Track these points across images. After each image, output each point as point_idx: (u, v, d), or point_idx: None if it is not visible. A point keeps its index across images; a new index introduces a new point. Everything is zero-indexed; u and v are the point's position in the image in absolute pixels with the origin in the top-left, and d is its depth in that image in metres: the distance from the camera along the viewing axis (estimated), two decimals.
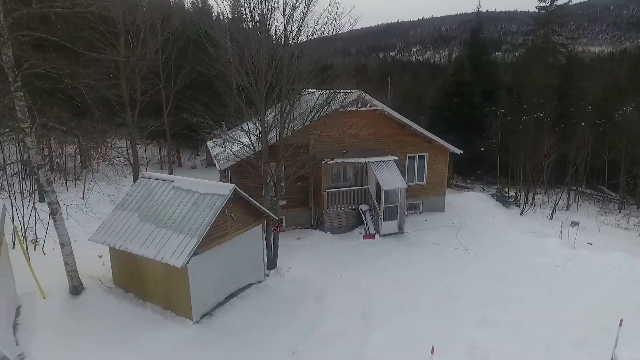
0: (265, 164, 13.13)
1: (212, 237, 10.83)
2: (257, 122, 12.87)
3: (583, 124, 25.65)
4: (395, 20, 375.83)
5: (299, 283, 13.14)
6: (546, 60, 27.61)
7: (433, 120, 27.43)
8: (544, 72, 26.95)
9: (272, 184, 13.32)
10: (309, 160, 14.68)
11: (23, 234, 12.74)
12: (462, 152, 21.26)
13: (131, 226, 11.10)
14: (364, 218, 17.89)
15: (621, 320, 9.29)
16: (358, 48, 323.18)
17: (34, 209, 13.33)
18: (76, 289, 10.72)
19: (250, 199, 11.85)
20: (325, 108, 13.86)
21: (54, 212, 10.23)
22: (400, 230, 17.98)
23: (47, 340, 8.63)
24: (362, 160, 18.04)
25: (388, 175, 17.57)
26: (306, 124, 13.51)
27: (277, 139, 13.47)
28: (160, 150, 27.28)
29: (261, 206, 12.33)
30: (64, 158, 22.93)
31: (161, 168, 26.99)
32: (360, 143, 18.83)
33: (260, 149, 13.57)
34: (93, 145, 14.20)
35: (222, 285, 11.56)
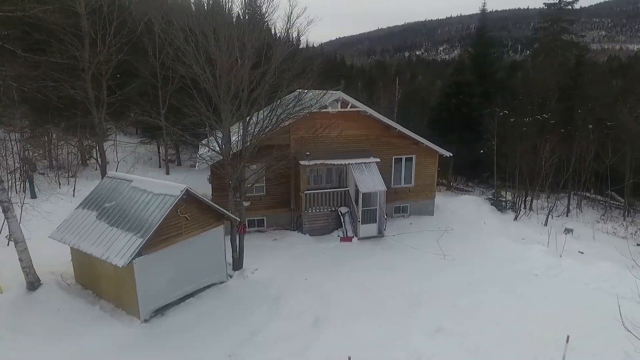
0: (228, 167, 13.13)
1: (163, 237, 10.95)
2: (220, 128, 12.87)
3: (591, 126, 24.51)
4: (423, 19, 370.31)
5: (260, 285, 13.11)
6: (554, 60, 26.48)
7: (433, 121, 26.81)
8: (551, 72, 25.87)
9: (232, 185, 13.27)
10: (277, 161, 14.56)
11: None
12: (451, 154, 20.68)
13: (87, 225, 11.36)
14: (342, 220, 17.68)
15: (568, 337, 8.78)
16: (384, 47, 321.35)
17: None
18: (32, 284, 11.07)
19: (206, 200, 11.90)
20: (293, 109, 13.70)
21: (5, 210, 10.55)
22: (380, 233, 17.66)
23: None
24: (343, 161, 17.81)
25: (367, 178, 17.29)
26: (266, 128, 13.34)
27: (241, 143, 13.42)
28: (159, 149, 27.84)
29: (219, 207, 12.36)
30: (66, 155, 23.62)
31: (159, 167, 27.54)
32: (345, 144, 18.64)
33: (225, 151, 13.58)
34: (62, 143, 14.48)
35: (176, 285, 11.66)
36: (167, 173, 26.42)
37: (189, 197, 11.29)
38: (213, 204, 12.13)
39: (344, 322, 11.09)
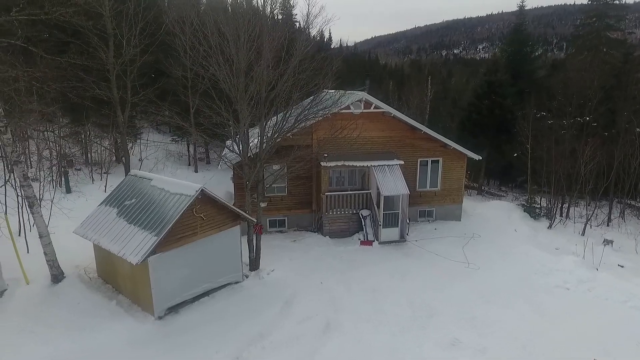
0: (245, 167, 13.17)
1: (178, 236, 11.10)
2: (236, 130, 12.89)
3: (638, 129, 22.81)
4: (462, 17, 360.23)
5: (275, 286, 13.06)
6: (595, 59, 24.80)
7: (463, 122, 25.87)
8: (591, 71, 24.32)
9: (249, 186, 13.28)
10: (298, 161, 14.47)
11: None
12: (480, 157, 19.86)
13: (108, 221, 11.71)
14: (363, 224, 17.37)
15: None
16: (421, 46, 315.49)
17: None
18: (56, 277, 11.54)
19: (222, 200, 11.97)
20: (310, 110, 13.56)
21: (31, 205, 11.02)
22: (402, 238, 17.21)
23: (11, 322, 9.36)
24: (365, 163, 17.50)
25: (389, 180, 16.89)
26: (284, 130, 13.25)
27: (259, 144, 13.40)
28: (188, 147, 28.52)
29: (235, 208, 12.42)
30: (99, 152, 24.61)
31: (189, 165, 28.20)
32: (368, 145, 18.32)
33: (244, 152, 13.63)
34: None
35: (191, 283, 11.80)
36: (196, 171, 27.00)
37: (204, 197, 11.39)
38: (228, 204, 12.19)
39: (354, 328, 10.85)
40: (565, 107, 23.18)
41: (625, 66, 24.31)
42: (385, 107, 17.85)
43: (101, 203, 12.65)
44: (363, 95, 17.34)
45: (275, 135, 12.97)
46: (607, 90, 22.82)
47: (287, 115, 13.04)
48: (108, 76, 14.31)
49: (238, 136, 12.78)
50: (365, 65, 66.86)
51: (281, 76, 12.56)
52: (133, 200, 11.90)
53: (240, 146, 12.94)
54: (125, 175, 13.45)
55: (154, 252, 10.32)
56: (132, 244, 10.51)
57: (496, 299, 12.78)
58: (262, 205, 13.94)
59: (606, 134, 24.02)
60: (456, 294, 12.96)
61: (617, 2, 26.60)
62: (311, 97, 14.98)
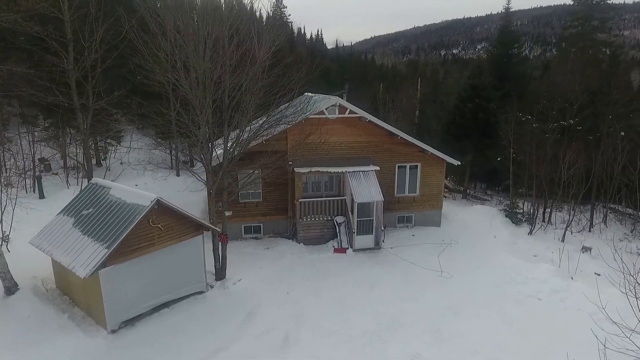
0: (208, 176, 12.88)
1: (134, 248, 10.82)
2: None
3: (623, 133, 22.54)
4: (461, 16, 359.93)
5: (239, 297, 12.78)
6: (581, 60, 24.49)
7: (447, 126, 25.56)
8: (576, 73, 24.03)
9: (212, 194, 12.99)
10: (269, 168, 14.19)
11: None
12: (459, 163, 19.58)
13: (63, 232, 11.41)
14: (337, 231, 17.08)
15: None
16: (420, 46, 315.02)
17: None
18: (9, 289, 11.25)
19: (182, 210, 11.68)
20: (274, 118, 13.26)
21: None
22: (377, 245, 16.92)
23: None
24: (339, 169, 17.21)
25: (364, 187, 16.61)
26: (247, 138, 12.94)
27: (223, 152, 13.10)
28: (170, 150, 28.17)
29: (196, 218, 12.12)
30: (76, 156, 24.26)
31: (171, 168, 27.88)
32: (346, 151, 18.04)
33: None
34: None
35: (149, 295, 11.51)
36: (178, 175, 26.69)
37: (161, 208, 11.10)
38: (189, 213, 11.89)
39: (312, 344, 10.59)
40: (548, 110, 22.89)
41: (611, 69, 24.00)
42: (361, 112, 17.56)
43: (60, 212, 12.35)
44: (337, 100, 17.05)
45: (234, 146, 12.64)
46: (591, 94, 22.53)
47: (250, 124, 12.75)
48: (68, 82, 14.00)
49: (200, 143, 12.47)
50: (360, 66, 66.45)
51: (241, 85, 12.23)
52: (90, 210, 11.61)
53: (202, 154, 12.64)
54: (89, 182, 13.15)
55: (104, 265, 10.03)
56: (83, 256, 10.22)
57: (465, 310, 12.50)
58: (227, 214, 13.63)
59: (591, 137, 23.76)
60: (424, 304, 12.68)
61: (603, 2, 26.23)
62: (286, 104, 14.71)
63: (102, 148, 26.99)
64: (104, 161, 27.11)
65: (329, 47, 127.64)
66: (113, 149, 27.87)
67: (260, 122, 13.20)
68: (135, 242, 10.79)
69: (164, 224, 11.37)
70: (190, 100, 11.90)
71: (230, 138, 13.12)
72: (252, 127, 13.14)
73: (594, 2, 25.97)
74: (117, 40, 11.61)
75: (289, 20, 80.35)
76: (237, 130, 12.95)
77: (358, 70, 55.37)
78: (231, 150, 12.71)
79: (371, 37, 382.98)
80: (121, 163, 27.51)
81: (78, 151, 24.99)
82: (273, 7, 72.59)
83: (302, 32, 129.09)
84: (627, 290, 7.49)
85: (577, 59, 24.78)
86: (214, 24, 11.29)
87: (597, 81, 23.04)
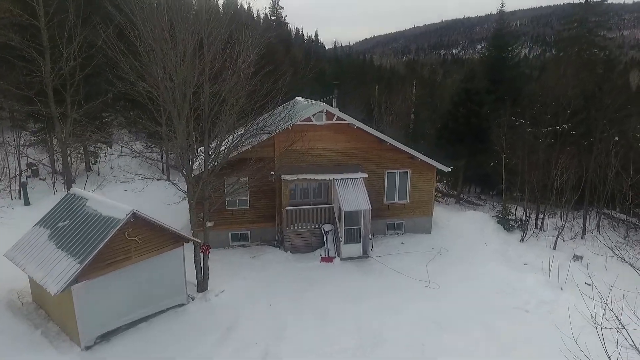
0: (189, 186, 12.63)
1: (109, 262, 10.58)
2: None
3: (617, 138, 22.29)
4: (461, 16, 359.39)
5: (220, 310, 12.54)
6: (576, 64, 24.21)
7: (440, 131, 25.30)
8: (573, 78, 23.76)
9: (193, 205, 12.74)
10: (253, 176, 13.96)
11: None
12: (450, 169, 19.32)
13: (38, 245, 11.17)
14: (324, 239, 16.82)
15: None
16: (419, 46, 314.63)
17: None
18: None
19: (160, 222, 11.43)
20: (255, 128, 13.02)
21: None
22: (365, 254, 16.67)
23: None
24: (327, 176, 16.96)
25: (351, 195, 16.35)
26: (229, 148, 12.71)
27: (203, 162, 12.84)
28: (162, 155, 27.91)
29: (175, 229, 11.87)
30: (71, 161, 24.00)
31: (162, 172, 27.63)
32: (334, 157, 17.79)
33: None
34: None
35: (127, 309, 11.27)
36: (169, 179, 26.42)
37: (137, 220, 10.85)
38: (168, 225, 11.64)
39: None
40: (542, 114, 22.63)
41: (605, 73, 23.72)
42: (348, 119, 17.30)
43: (36, 223, 12.10)
44: (324, 107, 16.80)
45: (213, 157, 12.40)
46: (585, 98, 22.27)
47: (233, 133, 12.50)
48: (46, 90, 13.74)
49: (179, 153, 12.23)
50: (357, 67, 66.08)
51: (221, 95, 11.97)
52: (66, 222, 11.36)
53: (182, 163, 12.40)
54: (67, 192, 12.90)
55: (76, 280, 9.78)
56: (56, 271, 9.98)
57: (450, 324, 12.25)
58: (209, 224, 13.39)
59: (585, 142, 23.50)
60: (409, 318, 12.42)
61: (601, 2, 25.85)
62: (270, 112, 14.44)
63: (93, 152, 26.78)
64: (94, 165, 26.90)
65: (327, 47, 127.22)
66: (104, 152, 27.65)
67: (242, 131, 12.93)
68: (110, 256, 10.55)
69: (141, 237, 11.12)
70: (169, 110, 11.65)
71: (212, 147, 12.88)
72: (233, 136, 12.89)
73: (590, 2, 25.56)
74: (93, 49, 11.33)
75: (285, 21, 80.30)
76: (218, 140, 12.71)
77: (354, 72, 54.94)
78: (211, 160, 12.47)
79: (371, 36, 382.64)
80: (111, 167, 27.31)
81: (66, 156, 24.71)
82: (270, 8, 72.63)
83: (300, 32, 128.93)
84: (601, 321, 7.20)
85: (573, 62, 24.49)
86: (192, 32, 11.02)
87: (591, 85, 22.76)
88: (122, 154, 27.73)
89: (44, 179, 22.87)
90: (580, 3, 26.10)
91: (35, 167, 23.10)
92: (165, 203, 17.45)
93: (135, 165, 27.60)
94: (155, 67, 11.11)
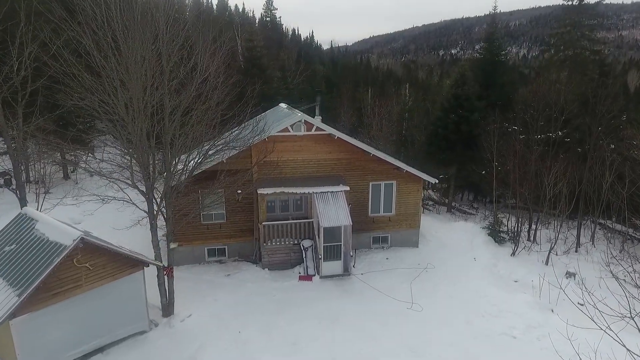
0: (150, 206, 11.79)
1: (55, 292, 9.73)
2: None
3: (613, 145, 21.48)
4: (460, 16, 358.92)
5: (184, 338, 11.68)
6: (571, 69, 23.43)
7: (430, 137, 24.47)
8: (566, 84, 22.95)
9: (153, 224, 11.90)
10: (214, 192, 13.13)
11: None
12: (436, 180, 18.52)
13: None
14: (303, 256, 15.96)
15: None
16: (418, 46, 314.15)
17: None
18: None
19: (114, 246, 10.57)
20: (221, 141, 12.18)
21: None
22: (346, 271, 15.81)
23: None
24: (306, 190, 16.11)
25: (331, 210, 15.51)
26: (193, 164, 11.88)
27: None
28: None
29: (132, 253, 11.01)
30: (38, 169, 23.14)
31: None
32: (315, 168, 16.95)
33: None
34: None
35: (79, 340, 10.41)
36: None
37: (87, 246, 9.99)
38: (123, 250, 10.79)
39: None
40: (535, 121, 21.79)
41: (600, 78, 22.90)
42: (328, 129, 16.46)
43: None
44: (302, 117, 15.95)
45: (174, 174, 11.57)
46: (579, 105, 21.44)
47: (199, 149, 11.68)
48: None
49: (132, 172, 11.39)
50: (351, 69, 65.23)
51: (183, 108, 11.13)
52: (12, 246, 10.49)
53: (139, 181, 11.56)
54: (18, 213, 12.02)
55: (14, 315, 8.92)
56: None
57: (429, 350, 11.42)
58: (172, 246, 12.55)
59: (579, 149, 22.69)
60: (386, 345, 11.59)
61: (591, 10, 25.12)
62: (242, 125, 13.58)
63: (71, 160, 25.90)
64: (72, 173, 26.03)
65: (324, 47, 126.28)
66: (84, 159, 26.78)
67: (207, 146, 12.10)
68: (57, 286, 9.70)
69: (93, 263, 10.28)
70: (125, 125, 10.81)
71: (175, 163, 12.04)
72: (199, 151, 12.06)
73: (584, 4, 24.73)
74: (41, 61, 10.56)
75: (280, 22, 79.48)
76: (182, 156, 11.88)
77: (347, 74, 54.02)
78: (173, 177, 11.63)
79: (370, 36, 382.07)
80: (91, 175, 26.43)
81: (40, 165, 23.84)
82: (264, 9, 71.81)
83: (297, 33, 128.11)
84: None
85: (567, 66, 23.67)
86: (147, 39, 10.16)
87: (585, 90, 21.93)
88: (103, 159, 26.93)
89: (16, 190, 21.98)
90: (573, 6, 25.29)
91: (8, 177, 22.22)
92: (125, 226, 16.45)
93: (117, 174, 26.80)
94: (111, 78, 10.27)
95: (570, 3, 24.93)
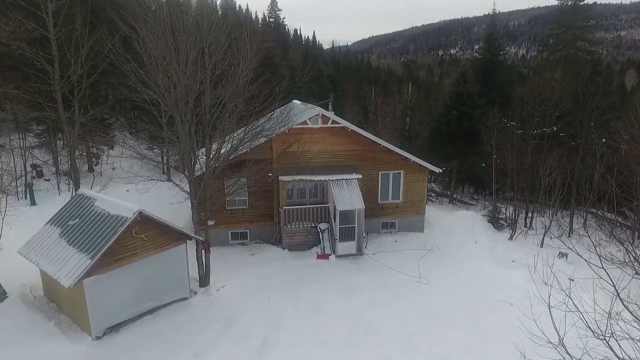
0: (192, 188, 13.38)
1: (117, 258, 11.30)
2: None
3: (604, 140, 23.09)
4: (459, 17, 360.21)
5: (221, 304, 13.26)
6: (567, 68, 25.02)
7: (433, 133, 26.08)
8: (562, 81, 24.56)
9: (195, 204, 13.48)
10: (250, 178, 14.68)
11: None
12: (440, 170, 20.11)
13: (50, 242, 11.88)
14: (320, 237, 17.57)
15: None
16: (417, 46, 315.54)
17: None
18: None
19: (164, 221, 12.16)
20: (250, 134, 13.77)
21: None
22: (359, 251, 17.42)
23: None
24: (322, 177, 17.70)
25: (346, 195, 17.10)
26: (228, 152, 13.47)
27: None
28: (162, 156, 28.60)
29: (178, 228, 12.60)
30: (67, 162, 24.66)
31: (163, 172, 28.34)
32: (330, 159, 18.54)
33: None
34: None
35: (134, 302, 11.99)
36: (169, 179, 27.14)
37: (143, 219, 11.58)
38: (171, 224, 12.38)
39: (289, 348, 11.08)
40: (531, 117, 23.42)
41: (592, 77, 24.52)
42: (343, 122, 18.06)
43: (47, 222, 12.81)
44: (320, 111, 17.54)
45: (214, 159, 13.14)
46: (573, 101, 23.05)
47: (232, 137, 13.24)
48: (55, 97, 14.47)
49: (182, 155, 12.96)
50: (354, 69, 66.86)
51: (221, 101, 12.70)
52: (76, 221, 12.08)
53: (184, 165, 13.14)
54: (75, 193, 13.61)
55: (88, 274, 10.51)
56: (68, 266, 10.69)
57: (438, 315, 13.01)
58: (210, 223, 14.12)
59: (573, 143, 24.30)
60: (400, 311, 13.16)
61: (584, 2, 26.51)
62: (268, 115, 15.17)
63: (95, 154, 27.49)
64: (96, 167, 27.60)
65: (325, 47, 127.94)
66: (106, 154, 28.35)
67: (241, 134, 13.67)
68: (118, 252, 11.27)
69: (147, 234, 11.85)
70: (169, 114, 12.38)
71: (213, 150, 13.61)
72: (233, 139, 13.63)
73: (579, 5, 26.23)
74: (99, 57, 12.02)
75: (284, 23, 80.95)
76: (218, 143, 13.44)
77: (351, 74, 55.70)
78: (212, 162, 13.20)
79: (369, 37, 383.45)
80: (113, 169, 28.00)
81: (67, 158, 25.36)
82: (268, 10, 73.40)
83: (299, 33, 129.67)
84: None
85: (562, 66, 25.28)
86: (194, 42, 11.76)
87: (578, 88, 23.55)
88: (123, 155, 28.51)
89: (48, 180, 23.56)
90: (568, 7, 26.84)
91: (39, 168, 23.80)
92: (170, 202, 18.15)
93: (137, 166, 28.36)
94: (160, 76, 11.85)
95: (564, 3, 26.42)
